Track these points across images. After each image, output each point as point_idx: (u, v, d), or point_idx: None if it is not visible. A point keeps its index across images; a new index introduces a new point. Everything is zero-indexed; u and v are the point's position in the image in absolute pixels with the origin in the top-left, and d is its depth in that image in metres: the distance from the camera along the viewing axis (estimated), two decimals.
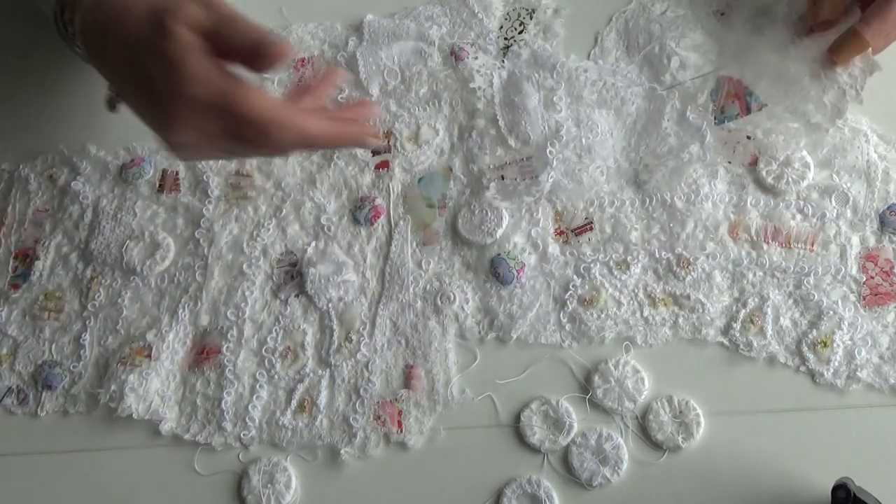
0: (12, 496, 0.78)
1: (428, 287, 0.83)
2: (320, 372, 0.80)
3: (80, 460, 0.80)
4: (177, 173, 0.91)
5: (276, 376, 0.80)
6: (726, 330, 0.78)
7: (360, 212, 0.87)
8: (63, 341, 0.84)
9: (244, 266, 0.85)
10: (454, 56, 0.92)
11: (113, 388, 0.80)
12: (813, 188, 0.82)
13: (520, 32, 0.95)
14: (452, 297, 0.82)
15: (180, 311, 0.84)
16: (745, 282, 0.79)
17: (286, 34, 0.99)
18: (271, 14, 1.01)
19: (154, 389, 0.80)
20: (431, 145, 0.89)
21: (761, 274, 0.79)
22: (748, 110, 0.85)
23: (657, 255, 0.81)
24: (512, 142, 0.87)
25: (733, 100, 0.86)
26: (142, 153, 0.93)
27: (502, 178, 0.85)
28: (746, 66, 0.86)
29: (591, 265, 0.81)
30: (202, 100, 0.64)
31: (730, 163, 0.83)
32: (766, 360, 0.76)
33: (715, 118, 0.85)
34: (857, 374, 0.74)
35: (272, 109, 0.66)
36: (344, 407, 0.79)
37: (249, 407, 0.79)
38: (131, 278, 0.86)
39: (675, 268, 0.80)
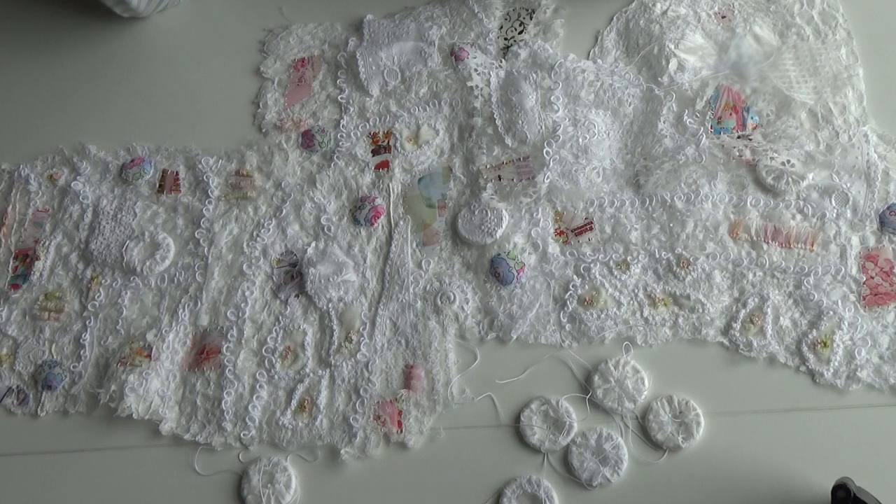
0: (12, 496, 0.78)
1: (428, 287, 0.83)
2: (320, 372, 0.80)
3: (80, 460, 0.79)
4: (177, 173, 0.91)
5: (276, 376, 0.80)
6: (726, 330, 0.78)
7: (360, 212, 0.87)
8: (63, 341, 0.84)
9: (244, 266, 0.85)
10: (454, 56, 0.92)
11: (113, 388, 0.80)
12: (813, 188, 0.82)
13: (520, 32, 0.95)
14: (452, 297, 0.81)
15: (180, 311, 0.84)
16: (745, 282, 0.79)
17: (286, 34, 0.99)
18: (271, 14, 1.01)
19: (154, 389, 0.80)
20: (431, 145, 0.89)
21: (761, 274, 0.79)
22: (744, 126, 0.85)
23: (657, 256, 0.81)
24: (509, 141, 0.87)
25: (731, 112, 0.86)
26: (142, 153, 0.93)
27: (499, 178, 0.85)
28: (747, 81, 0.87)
29: (591, 265, 0.81)
30: None
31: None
32: (766, 360, 0.76)
33: (711, 127, 0.85)
34: (857, 374, 0.74)
35: None
36: (344, 407, 0.78)
37: (249, 407, 0.79)
38: (131, 278, 0.86)
39: (675, 268, 0.80)
